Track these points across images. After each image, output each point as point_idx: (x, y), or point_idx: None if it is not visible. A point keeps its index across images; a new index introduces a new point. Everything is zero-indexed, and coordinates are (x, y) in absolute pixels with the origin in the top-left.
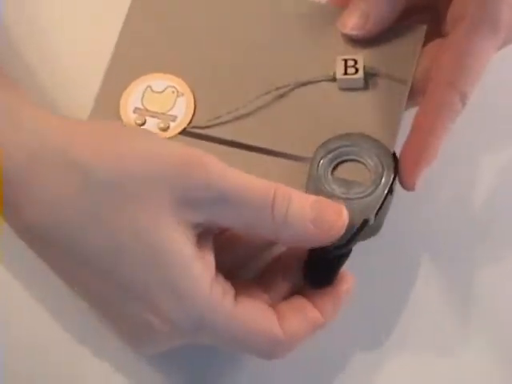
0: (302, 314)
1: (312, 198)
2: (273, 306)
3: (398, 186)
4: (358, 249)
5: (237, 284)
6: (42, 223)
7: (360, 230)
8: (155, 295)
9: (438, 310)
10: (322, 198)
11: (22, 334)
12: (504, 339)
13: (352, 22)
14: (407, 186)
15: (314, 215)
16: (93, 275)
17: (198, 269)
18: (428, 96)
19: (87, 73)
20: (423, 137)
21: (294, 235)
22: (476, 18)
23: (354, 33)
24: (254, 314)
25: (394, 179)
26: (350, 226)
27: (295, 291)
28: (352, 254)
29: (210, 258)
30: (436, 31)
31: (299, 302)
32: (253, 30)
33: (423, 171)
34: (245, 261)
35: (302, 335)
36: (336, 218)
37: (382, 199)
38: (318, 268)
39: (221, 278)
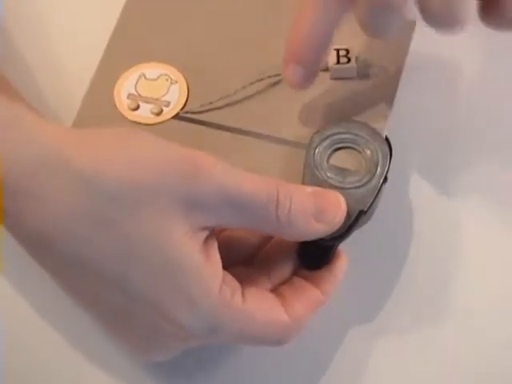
0: (304, 295)
1: (308, 189)
2: (275, 290)
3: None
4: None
5: (241, 276)
6: (45, 233)
7: (356, 220)
8: (166, 301)
9: (423, 298)
10: (318, 190)
11: (21, 338)
12: (492, 329)
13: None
14: None
15: (315, 209)
16: (101, 285)
17: (208, 272)
18: None
19: (87, 73)
20: None
21: (296, 231)
22: None
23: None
24: (262, 306)
25: (388, 167)
26: (347, 216)
27: (294, 272)
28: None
29: (216, 259)
30: None
31: (300, 284)
32: (245, 21)
33: None
34: (246, 257)
35: (307, 316)
36: (336, 209)
37: (377, 189)
38: (312, 256)
39: (228, 277)
